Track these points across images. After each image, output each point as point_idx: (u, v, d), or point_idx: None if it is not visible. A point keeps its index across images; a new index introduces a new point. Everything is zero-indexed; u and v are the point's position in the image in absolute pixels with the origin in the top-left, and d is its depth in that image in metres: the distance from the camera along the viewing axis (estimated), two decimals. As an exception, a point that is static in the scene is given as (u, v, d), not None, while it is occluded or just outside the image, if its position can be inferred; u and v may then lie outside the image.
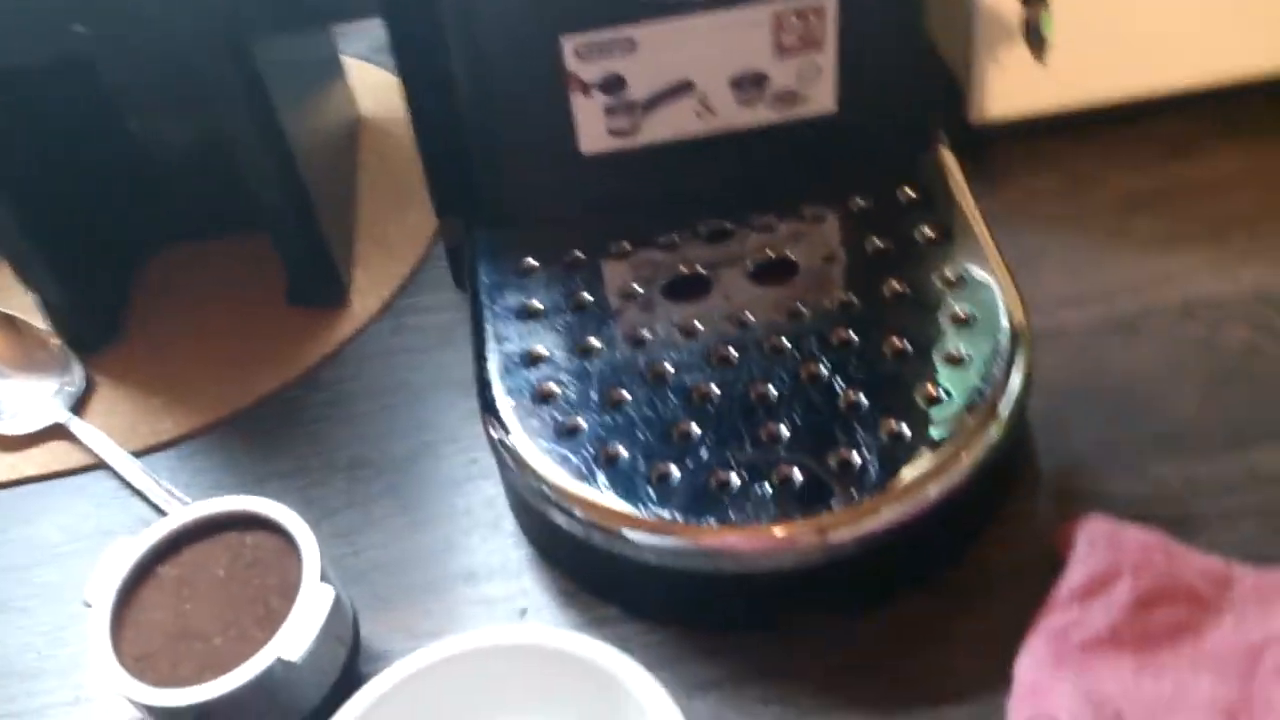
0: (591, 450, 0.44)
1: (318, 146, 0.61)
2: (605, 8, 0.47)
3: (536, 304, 0.50)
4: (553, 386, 0.46)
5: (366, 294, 0.60)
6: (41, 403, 0.56)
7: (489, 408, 0.46)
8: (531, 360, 0.48)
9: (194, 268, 0.63)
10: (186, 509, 0.45)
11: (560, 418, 0.45)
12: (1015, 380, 0.44)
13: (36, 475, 0.55)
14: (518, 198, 0.53)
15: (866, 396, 0.44)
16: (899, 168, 0.52)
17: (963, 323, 0.45)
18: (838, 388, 0.44)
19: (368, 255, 0.62)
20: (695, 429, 0.44)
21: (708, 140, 0.51)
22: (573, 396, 0.46)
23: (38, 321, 0.59)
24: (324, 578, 0.43)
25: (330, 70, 0.68)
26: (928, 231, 0.49)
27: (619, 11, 0.47)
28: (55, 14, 0.48)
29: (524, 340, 0.48)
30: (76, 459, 0.55)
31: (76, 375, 0.57)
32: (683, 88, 0.49)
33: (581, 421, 0.45)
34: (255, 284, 0.61)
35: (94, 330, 0.59)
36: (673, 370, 0.46)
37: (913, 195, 0.51)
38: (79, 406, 0.57)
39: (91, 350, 0.59)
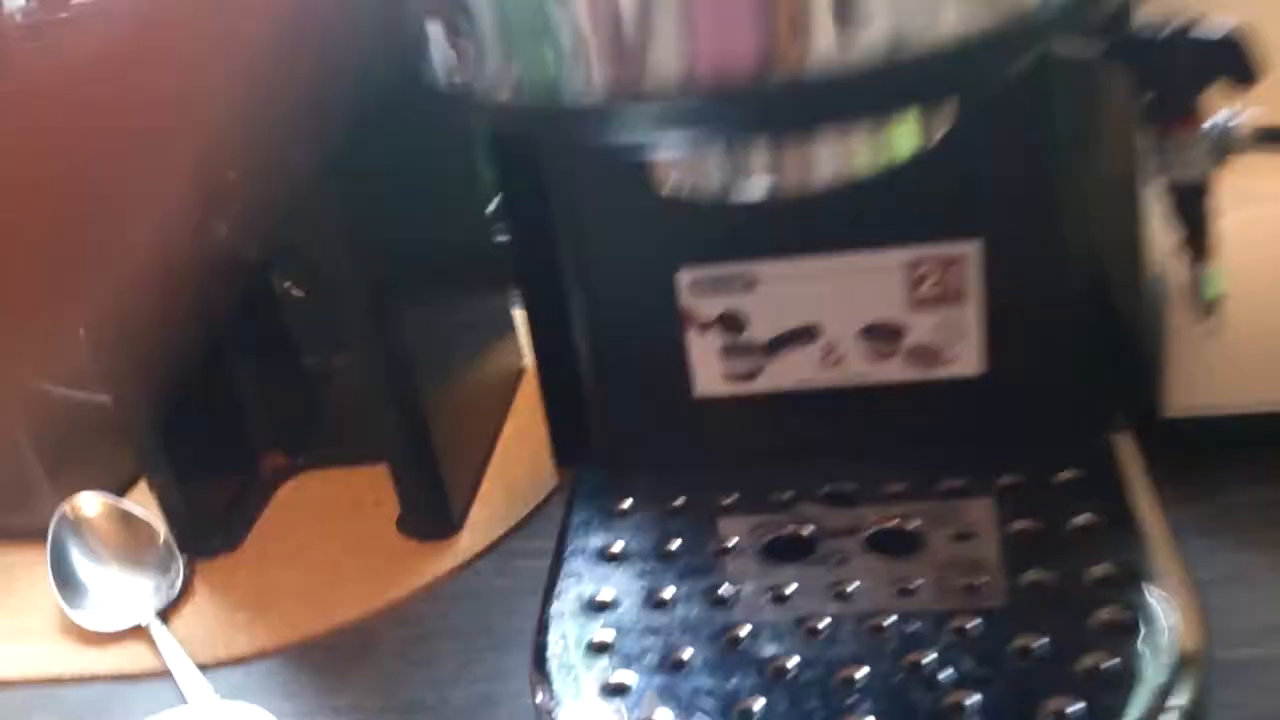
0: (635, 714, 0.37)
1: (459, 393, 0.60)
2: (725, 242, 0.44)
3: (619, 548, 0.45)
4: (610, 637, 0.40)
5: (477, 531, 0.57)
6: (133, 600, 0.55)
7: (538, 652, 0.41)
8: (598, 607, 0.42)
9: (331, 484, 0.62)
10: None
11: (609, 672, 0.39)
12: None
13: (107, 675, 0.53)
14: (626, 438, 0.50)
15: (977, 699, 0.35)
16: (1060, 448, 0.44)
17: (1114, 630, 0.37)
18: (942, 683, 0.36)
19: (491, 494, 0.59)
20: (759, 706, 0.36)
21: (834, 393, 0.46)
22: (631, 651, 0.40)
23: (156, 519, 0.58)
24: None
25: (498, 324, 0.68)
26: (1086, 520, 0.41)
27: (739, 247, 0.44)
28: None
29: (596, 584, 0.43)
30: (150, 663, 0.52)
31: (174, 578, 0.56)
32: (807, 333, 0.45)
33: (632, 679, 0.38)
34: (378, 509, 0.59)
35: (209, 537, 0.59)
36: (751, 637, 0.39)
37: (1072, 478, 0.43)
38: (170, 608, 0.55)
39: (202, 556, 0.58)
